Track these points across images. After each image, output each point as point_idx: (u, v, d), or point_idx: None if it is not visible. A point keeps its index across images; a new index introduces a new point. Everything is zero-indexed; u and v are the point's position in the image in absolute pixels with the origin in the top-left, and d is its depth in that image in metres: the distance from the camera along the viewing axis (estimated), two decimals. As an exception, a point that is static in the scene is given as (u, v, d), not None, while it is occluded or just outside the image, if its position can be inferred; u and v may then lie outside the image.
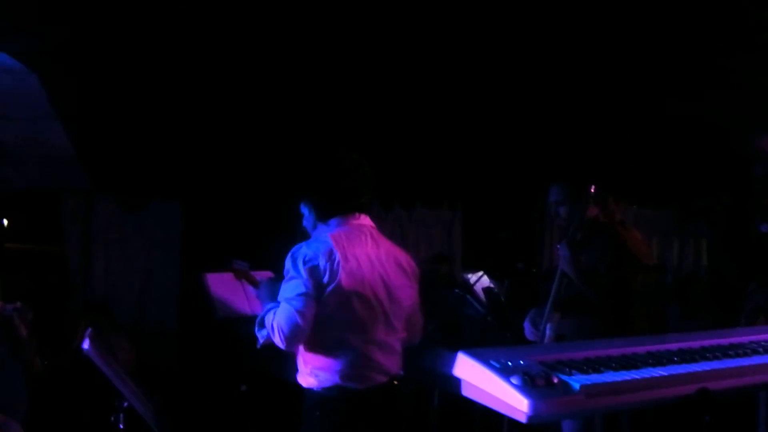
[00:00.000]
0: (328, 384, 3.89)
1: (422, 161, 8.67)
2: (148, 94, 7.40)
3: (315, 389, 3.92)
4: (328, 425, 3.92)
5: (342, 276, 3.80)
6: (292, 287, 3.77)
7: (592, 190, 4.74)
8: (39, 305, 5.47)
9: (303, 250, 3.84)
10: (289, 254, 3.87)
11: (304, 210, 4.13)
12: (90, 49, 6.50)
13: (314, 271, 3.77)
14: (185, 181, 8.70)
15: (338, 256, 3.81)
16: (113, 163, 8.33)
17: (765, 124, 7.58)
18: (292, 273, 3.81)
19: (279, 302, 3.83)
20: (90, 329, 4.31)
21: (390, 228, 9.54)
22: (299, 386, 4.05)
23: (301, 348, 3.93)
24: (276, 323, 3.75)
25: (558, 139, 8.13)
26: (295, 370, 4.08)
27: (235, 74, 7.18)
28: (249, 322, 6.33)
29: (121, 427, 4.50)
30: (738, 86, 7.67)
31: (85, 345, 4.13)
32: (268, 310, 3.89)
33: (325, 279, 3.78)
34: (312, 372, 3.91)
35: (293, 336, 3.74)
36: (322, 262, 3.79)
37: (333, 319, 3.84)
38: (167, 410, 4.68)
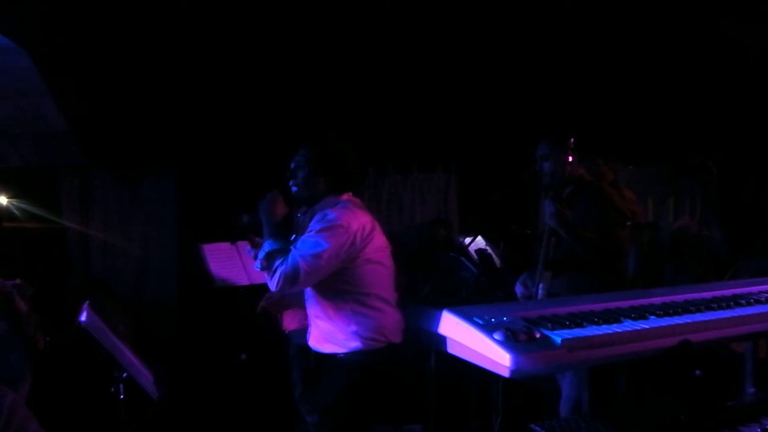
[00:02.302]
0: (375, 345, 4.13)
1: (416, 125, 8.66)
2: (141, 67, 7.40)
3: (357, 350, 4.12)
4: (372, 386, 4.20)
5: (375, 238, 4.16)
6: (312, 245, 3.99)
7: (572, 142, 4.76)
8: (39, 282, 5.52)
9: (339, 217, 4.07)
10: (322, 216, 4.10)
11: (311, 181, 4.25)
12: (80, 24, 6.50)
13: (348, 238, 4.04)
14: (181, 154, 8.71)
15: (369, 226, 4.14)
16: (108, 138, 8.33)
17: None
18: (321, 233, 4.02)
19: (289, 249, 4.05)
20: (87, 302, 4.35)
21: (386, 192, 9.57)
22: (328, 356, 4.23)
23: (337, 314, 4.16)
24: (282, 271, 3.97)
25: (551, 98, 8.12)
26: (325, 340, 4.24)
27: (226, 45, 7.18)
28: (246, 292, 6.41)
29: (122, 397, 4.55)
30: (725, 40, 7.67)
31: (83, 317, 4.17)
32: (278, 257, 4.05)
33: (360, 243, 4.08)
34: (357, 333, 4.12)
35: (288, 286, 4.02)
36: (358, 231, 4.07)
37: (370, 279, 4.14)
38: (166, 380, 4.74)
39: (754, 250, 5.53)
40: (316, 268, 3.96)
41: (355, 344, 4.09)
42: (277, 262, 4.00)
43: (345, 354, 4.13)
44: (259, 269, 4.20)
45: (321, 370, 4.32)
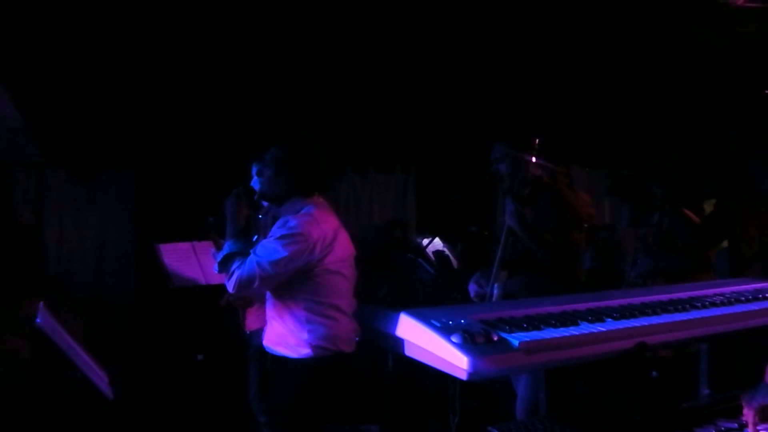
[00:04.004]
0: (325, 353, 4.10)
1: (374, 126, 8.66)
2: (98, 63, 7.33)
3: (308, 357, 4.09)
4: (320, 391, 4.16)
5: (336, 249, 4.12)
6: (270, 252, 3.97)
7: (537, 143, 4.79)
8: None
9: (299, 225, 4.03)
10: (287, 221, 4.07)
11: (278, 179, 4.22)
12: (35, 19, 6.43)
13: (307, 247, 4.01)
14: (138, 151, 8.64)
15: (331, 235, 4.10)
16: (63, 134, 8.25)
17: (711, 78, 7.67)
18: (281, 240, 3.99)
19: (249, 252, 4.04)
20: (42, 303, 4.30)
21: (344, 193, 9.56)
22: (279, 358, 4.21)
23: (292, 319, 4.13)
24: (238, 275, 3.98)
25: (508, 100, 8.15)
26: (278, 342, 4.24)
27: (185, 42, 7.13)
28: (203, 292, 6.37)
29: (76, 398, 4.50)
30: (685, 43, 7.74)
31: (38, 318, 4.12)
32: (237, 259, 4.04)
33: (320, 253, 4.04)
34: (309, 341, 4.09)
35: (243, 290, 4.05)
36: (318, 241, 4.03)
37: (327, 288, 4.11)
38: (122, 380, 4.69)
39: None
40: (271, 275, 3.95)
41: (305, 351, 4.08)
42: (234, 265, 3.99)
43: (294, 359, 4.12)
44: (216, 270, 4.18)
45: (274, 370, 4.32)
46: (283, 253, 3.94)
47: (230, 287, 4.03)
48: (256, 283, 3.96)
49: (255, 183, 4.41)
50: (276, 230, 4.05)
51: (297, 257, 3.97)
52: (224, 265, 4.07)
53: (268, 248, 3.98)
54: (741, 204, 4.92)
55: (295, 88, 7.86)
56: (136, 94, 7.82)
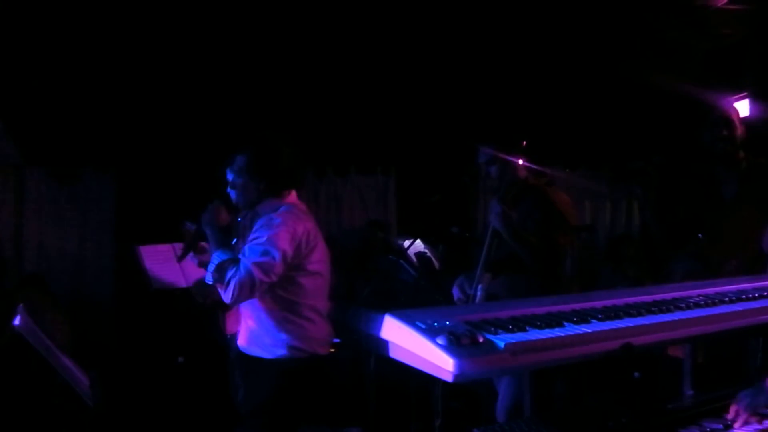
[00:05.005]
0: (300, 355, 4.09)
1: (354, 127, 8.66)
2: (78, 64, 7.31)
3: (283, 358, 4.08)
4: (294, 392, 4.12)
5: (316, 249, 4.13)
6: (261, 252, 3.94)
7: (524, 145, 4.79)
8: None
9: (284, 222, 4.02)
10: (268, 220, 4.05)
11: (248, 186, 4.20)
12: (12, 21, 6.39)
13: (295, 241, 4.01)
14: (119, 153, 8.61)
15: (314, 232, 4.13)
16: (43, 136, 8.21)
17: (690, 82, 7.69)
18: (270, 240, 3.96)
19: (239, 257, 3.99)
20: (21, 305, 4.27)
21: (324, 195, 9.54)
22: (253, 358, 4.20)
23: (269, 319, 4.11)
24: (236, 282, 3.89)
25: (489, 101, 8.16)
26: (252, 342, 4.22)
27: (166, 45, 7.12)
28: (184, 294, 6.35)
29: (57, 402, 4.47)
30: (665, 46, 7.77)
31: (17, 321, 4.09)
32: (230, 267, 3.97)
33: (305, 249, 4.06)
34: (285, 342, 4.08)
35: (243, 297, 3.96)
36: (303, 236, 4.05)
37: (307, 289, 4.10)
38: (102, 384, 4.67)
39: (683, 252, 5.61)
40: (269, 274, 3.91)
41: (281, 352, 4.07)
42: (230, 273, 3.92)
43: (269, 360, 4.10)
44: (210, 282, 4.13)
45: (247, 370, 4.30)
46: (275, 251, 3.92)
47: (228, 297, 3.93)
48: (257, 286, 3.90)
49: (231, 192, 4.38)
50: (261, 231, 4.01)
51: (288, 252, 3.95)
52: (218, 275, 4.00)
53: (259, 249, 3.95)
54: (710, 208, 4.96)
55: (278, 89, 7.85)
56: (117, 95, 7.79)
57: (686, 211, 5.19)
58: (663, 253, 5.54)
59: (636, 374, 2.47)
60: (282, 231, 3.97)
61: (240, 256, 4.00)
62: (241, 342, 4.30)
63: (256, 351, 4.17)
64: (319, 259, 4.16)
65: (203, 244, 4.31)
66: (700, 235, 5.01)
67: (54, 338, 4.54)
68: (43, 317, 4.64)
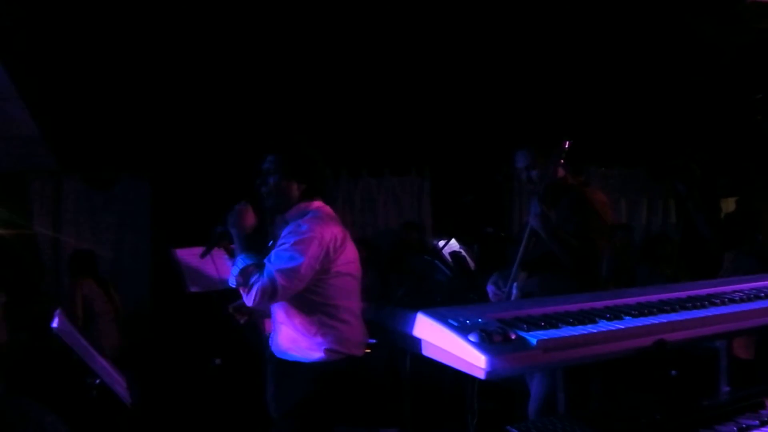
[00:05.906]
0: (336, 357, 4.10)
1: (389, 129, 8.66)
2: (113, 71, 7.35)
3: (320, 361, 4.09)
4: (331, 394, 4.14)
5: (347, 249, 4.15)
6: (288, 260, 3.95)
7: (566, 146, 4.75)
8: (12, 288, 5.46)
9: (311, 228, 4.04)
10: (296, 227, 4.07)
11: (283, 186, 4.22)
12: (50, 27, 6.44)
13: (322, 249, 4.02)
14: (154, 158, 8.67)
15: (341, 236, 4.12)
16: (79, 143, 8.28)
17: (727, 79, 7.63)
18: (296, 246, 3.97)
19: (264, 262, 4.00)
20: (59, 309, 4.31)
21: (359, 196, 9.57)
22: (289, 362, 4.20)
23: (304, 323, 4.13)
24: (259, 287, 3.92)
25: (522, 102, 8.13)
26: (288, 347, 4.22)
27: (200, 49, 7.14)
28: (220, 296, 6.38)
29: (95, 404, 4.50)
30: (703, 44, 7.70)
31: (54, 323, 4.13)
32: (254, 272, 3.99)
33: (333, 254, 4.06)
34: (321, 345, 4.09)
35: (265, 302, 4.00)
36: (331, 242, 4.05)
37: (338, 291, 4.12)
38: (139, 385, 4.70)
39: (741, 250, 5.55)
40: (293, 281, 3.92)
41: (318, 355, 4.07)
42: (253, 278, 3.94)
43: (306, 363, 4.11)
44: (234, 285, 4.14)
45: (282, 374, 4.30)
46: (300, 258, 3.92)
47: (250, 301, 3.96)
48: (279, 292, 3.92)
49: (264, 194, 4.38)
50: (288, 237, 4.02)
51: (315, 260, 3.96)
52: (242, 279, 4.02)
53: (285, 256, 3.95)
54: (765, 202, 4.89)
55: (311, 92, 7.86)
56: (151, 101, 7.84)
57: (741, 209, 5.14)
58: (715, 251, 5.49)
59: (673, 372, 2.45)
60: (308, 237, 3.97)
61: (266, 261, 4.00)
62: (276, 347, 4.30)
63: (292, 356, 4.17)
64: (348, 260, 4.16)
65: (233, 246, 4.32)
66: (759, 237, 4.97)
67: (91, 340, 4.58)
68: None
